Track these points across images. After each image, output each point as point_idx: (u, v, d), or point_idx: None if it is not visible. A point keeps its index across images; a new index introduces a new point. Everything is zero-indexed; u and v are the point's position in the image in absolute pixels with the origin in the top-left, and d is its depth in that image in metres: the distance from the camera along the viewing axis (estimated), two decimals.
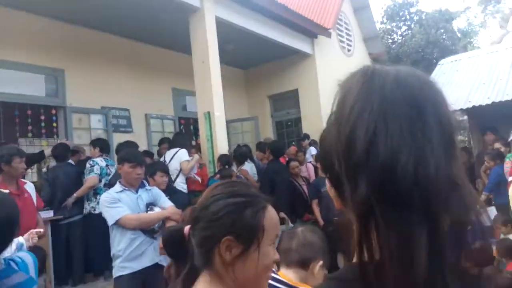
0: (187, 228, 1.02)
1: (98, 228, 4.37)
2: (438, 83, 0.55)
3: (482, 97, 6.05)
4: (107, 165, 5.16)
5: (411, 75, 0.53)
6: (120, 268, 3.11)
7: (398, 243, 0.46)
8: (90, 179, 5.00)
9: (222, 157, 5.59)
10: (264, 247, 1.00)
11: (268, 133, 9.40)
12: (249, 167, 6.08)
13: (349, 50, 10.19)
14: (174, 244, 1.01)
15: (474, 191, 0.51)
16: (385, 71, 0.53)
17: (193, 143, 8.18)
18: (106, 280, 4.83)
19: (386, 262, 0.47)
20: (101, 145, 5.40)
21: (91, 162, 5.11)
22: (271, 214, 1.03)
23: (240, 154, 6.08)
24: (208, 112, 5.82)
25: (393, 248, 0.46)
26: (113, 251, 3.17)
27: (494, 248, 4.75)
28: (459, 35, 15.99)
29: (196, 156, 5.75)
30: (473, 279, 0.50)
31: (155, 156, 6.56)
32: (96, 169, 5.05)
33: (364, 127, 0.50)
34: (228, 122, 8.40)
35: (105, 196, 3.22)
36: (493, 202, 5.56)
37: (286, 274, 1.38)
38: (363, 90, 0.52)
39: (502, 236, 4.94)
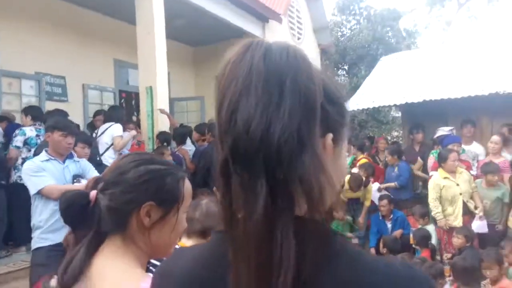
0: (93, 193, 1.01)
1: (22, 198, 4.18)
2: (306, 56, 0.59)
3: (416, 95, 6.40)
4: (37, 135, 4.90)
5: (281, 48, 0.58)
6: (40, 239, 3.01)
7: (245, 198, 0.54)
8: (11, 151, 4.78)
9: (160, 135, 5.50)
10: (181, 214, 1.05)
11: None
12: (190, 149, 6.01)
13: (299, 38, 10.32)
14: (76, 210, 1.00)
15: (321, 156, 0.57)
16: (260, 44, 0.58)
17: (134, 118, 7.96)
18: (28, 251, 4.65)
19: (238, 211, 0.55)
20: (34, 113, 5.10)
21: (16, 132, 4.83)
22: (187, 184, 1.09)
23: (179, 134, 5.99)
24: (150, 87, 5.67)
25: (242, 202, 0.54)
26: (34, 221, 3.05)
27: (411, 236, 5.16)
28: (404, 34, 16.71)
29: (133, 132, 5.61)
30: (312, 235, 0.56)
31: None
32: (19, 141, 4.78)
33: (229, 98, 0.56)
34: (173, 100, 8.25)
35: (29, 164, 3.07)
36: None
37: (186, 243, 1.41)
38: (236, 62, 0.57)
39: (419, 226, 5.34)
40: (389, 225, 5.83)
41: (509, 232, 4.90)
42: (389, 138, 11.92)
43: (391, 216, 5.84)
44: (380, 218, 5.91)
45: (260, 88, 0.55)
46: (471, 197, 5.03)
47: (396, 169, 6.17)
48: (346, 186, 5.79)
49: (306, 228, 0.55)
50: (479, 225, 4.85)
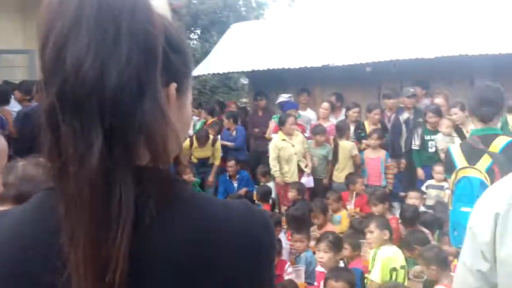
0: None
1: None
2: None
3: (261, 63, 6.85)
4: None
5: None
6: None
7: (77, 149, 0.50)
8: None
9: None
10: None
11: None
12: (16, 110, 5.29)
13: None
14: None
15: (163, 105, 0.55)
16: None
17: None
18: None
19: (69, 163, 0.51)
20: None
21: None
22: (2, 142, 1.01)
23: (0, 92, 5.21)
24: None
25: (73, 154, 0.50)
26: None
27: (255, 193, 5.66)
28: (254, 5, 17.36)
29: None
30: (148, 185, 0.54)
31: None
32: None
33: (56, 34, 0.50)
34: None
35: None
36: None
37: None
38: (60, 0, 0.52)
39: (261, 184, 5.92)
40: (235, 184, 6.26)
41: (333, 185, 5.78)
42: (239, 104, 12.51)
43: (238, 176, 6.28)
44: (227, 178, 6.30)
45: (93, 25, 0.50)
46: (304, 156, 5.73)
47: (234, 133, 6.59)
48: (195, 144, 5.95)
49: (147, 177, 0.53)
50: (307, 180, 5.58)
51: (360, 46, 6.63)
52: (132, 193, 0.51)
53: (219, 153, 6.33)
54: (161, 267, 0.54)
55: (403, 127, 5.95)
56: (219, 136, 6.46)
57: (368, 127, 5.88)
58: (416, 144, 5.55)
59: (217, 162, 6.31)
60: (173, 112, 0.58)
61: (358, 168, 5.70)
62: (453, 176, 2.52)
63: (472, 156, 2.43)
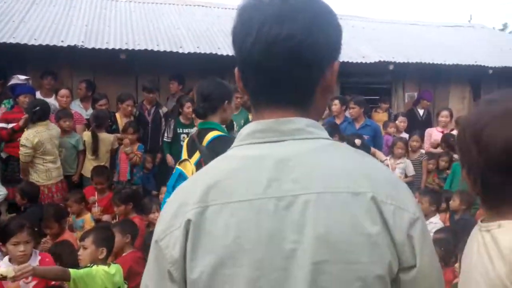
0: None
1: None
2: None
3: None
4: None
5: None
6: None
7: None
8: None
9: None
10: None
11: None
12: None
13: None
14: None
15: None
16: None
17: None
18: None
19: None
20: None
21: None
22: None
23: None
24: None
25: None
26: None
27: None
28: None
29: None
30: None
31: None
32: None
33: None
34: None
35: None
36: None
37: None
38: None
39: None
40: None
41: (84, 181, 5.10)
42: None
43: None
44: None
45: None
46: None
47: None
48: None
49: None
50: None
51: (113, 31, 6.12)
52: None
53: None
54: None
55: (163, 121, 5.79)
56: None
57: (120, 119, 5.46)
58: (168, 136, 5.48)
59: None
60: None
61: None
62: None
63: (192, 149, 2.45)
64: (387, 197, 0.74)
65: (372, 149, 4.96)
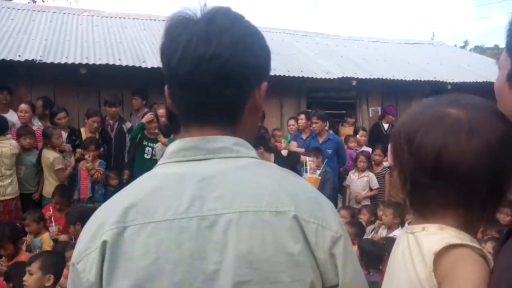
0: None
1: None
2: None
3: None
4: None
5: None
6: None
7: None
8: None
9: None
10: None
11: None
12: None
13: None
14: None
15: None
16: None
17: None
18: None
19: None
20: None
21: None
22: None
23: None
24: None
25: None
26: None
27: None
28: None
29: None
30: None
31: None
32: None
33: None
34: None
35: None
36: None
37: None
38: None
39: None
40: None
41: (43, 201, 4.92)
42: None
43: None
44: None
45: None
46: None
47: None
48: None
49: None
50: None
51: (74, 45, 5.99)
52: None
53: None
54: None
55: (127, 136, 5.68)
56: None
57: (85, 135, 5.32)
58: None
59: None
60: None
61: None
62: None
63: None
64: (310, 215, 0.74)
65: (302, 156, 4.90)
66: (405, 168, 0.88)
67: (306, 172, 4.30)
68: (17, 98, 5.69)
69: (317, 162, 4.72)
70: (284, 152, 4.92)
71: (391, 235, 3.97)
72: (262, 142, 4.48)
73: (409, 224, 0.92)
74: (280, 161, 4.21)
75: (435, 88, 7.90)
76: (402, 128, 0.89)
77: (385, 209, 4.22)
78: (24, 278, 2.55)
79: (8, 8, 7.52)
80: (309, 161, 4.45)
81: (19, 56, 5.57)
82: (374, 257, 3.05)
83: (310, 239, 0.72)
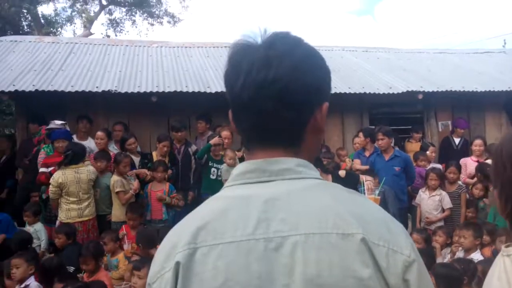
0: None
1: None
2: None
3: (29, 84, 5.87)
4: None
5: None
6: None
7: None
8: None
9: None
10: None
11: None
12: None
13: None
14: None
15: None
16: None
17: None
18: None
19: None
20: None
21: None
22: None
23: None
24: None
25: None
26: None
27: None
28: (42, 21, 15.61)
29: None
30: None
31: None
32: None
33: None
34: None
35: None
36: None
37: None
38: None
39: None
40: None
41: (112, 223, 5.21)
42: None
43: None
44: None
45: None
46: None
47: None
48: None
49: None
50: None
51: (145, 75, 6.40)
52: None
53: None
54: None
55: (192, 159, 5.92)
56: None
57: (156, 158, 5.64)
58: None
59: None
60: None
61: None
62: None
63: None
64: (379, 238, 0.72)
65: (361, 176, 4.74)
66: (506, 186, 0.83)
67: (363, 192, 4.19)
68: (96, 126, 6.20)
69: (375, 182, 4.60)
70: (342, 173, 4.82)
71: (469, 257, 3.71)
72: (318, 164, 4.44)
73: (506, 247, 0.87)
74: (338, 182, 4.14)
75: (510, 99, 7.39)
76: (506, 144, 0.85)
77: (463, 231, 3.97)
78: (133, 281, 2.81)
79: (86, 43, 8.23)
80: (367, 181, 4.34)
81: (97, 87, 6.06)
82: (453, 281, 2.86)
83: (381, 263, 0.71)
